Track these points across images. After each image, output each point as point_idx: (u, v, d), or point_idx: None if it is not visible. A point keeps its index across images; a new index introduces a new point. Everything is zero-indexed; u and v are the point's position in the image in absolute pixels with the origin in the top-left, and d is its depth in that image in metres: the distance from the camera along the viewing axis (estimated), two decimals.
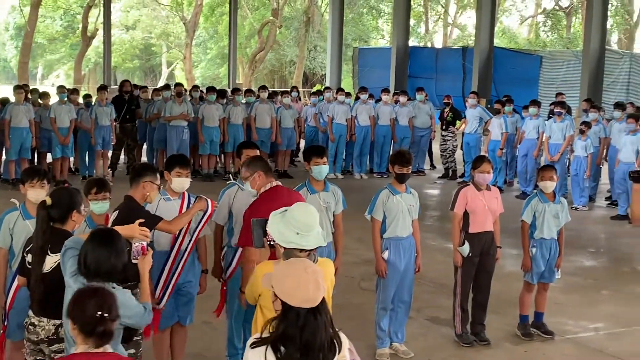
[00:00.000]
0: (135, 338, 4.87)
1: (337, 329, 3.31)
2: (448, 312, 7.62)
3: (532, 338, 7.44)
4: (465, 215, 7.13)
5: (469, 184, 7.35)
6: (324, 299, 3.24)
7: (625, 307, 8.65)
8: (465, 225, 7.13)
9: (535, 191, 7.95)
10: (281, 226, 4.06)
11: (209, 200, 5.73)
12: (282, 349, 3.17)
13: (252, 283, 4.33)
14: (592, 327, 7.97)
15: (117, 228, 4.51)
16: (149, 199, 5.50)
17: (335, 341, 3.25)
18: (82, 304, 3.48)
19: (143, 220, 4.80)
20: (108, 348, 3.52)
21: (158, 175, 5.61)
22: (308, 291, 3.18)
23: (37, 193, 5.49)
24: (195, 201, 5.75)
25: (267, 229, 4.18)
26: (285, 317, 3.20)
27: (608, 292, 9.27)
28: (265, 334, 3.26)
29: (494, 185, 9.51)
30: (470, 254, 7.11)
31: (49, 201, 4.78)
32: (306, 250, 4.01)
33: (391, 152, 17.46)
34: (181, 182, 5.89)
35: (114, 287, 4.14)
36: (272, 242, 4.19)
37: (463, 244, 7.11)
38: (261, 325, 4.18)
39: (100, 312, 3.44)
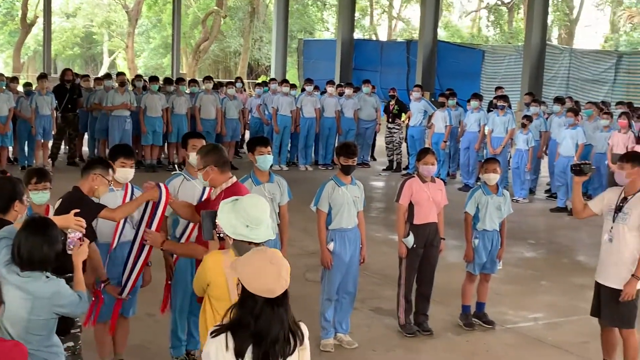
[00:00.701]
0: (72, 330, 4.83)
1: (298, 322, 3.30)
2: (392, 303, 7.68)
3: (474, 328, 7.55)
4: (410, 206, 7.19)
5: (413, 176, 7.41)
6: (286, 292, 3.22)
7: (564, 297, 8.83)
8: (410, 217, 7.19)
9: (478, 183, 8.05)
10: (232, 217, 4.04)
11: (163, 187, 5.57)
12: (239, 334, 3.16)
13: (200, 273, 4.31)
14: (532, 317, 8.12)
15: (52, 218, 4.44)
16: (96, 193, 5.41)
17: (293, 335, 3.23)
18: None
19: (78, 210, 4.72)
20: None
21: (110, 171, 5.52)
22: (267, 282, 3.16)
23: None
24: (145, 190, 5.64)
25: (217, 219, 4.16)
26: (243, 303, 3.19)
27: (547, 283, 9.44)
28: (226, 321, 3.24)
29: (437, 177, 9.59)
30: (414, 245, 7.17)
31: None
32: (255, 243, 4.00)
33: (336, 144, 17.52)
34: (125, 172, 5.80)
35: (48, 277, 4.09)
36: (221, 235, 4.17)
37: (408, 235, 7.17)
38: (209, 315, 4.17)
39: None
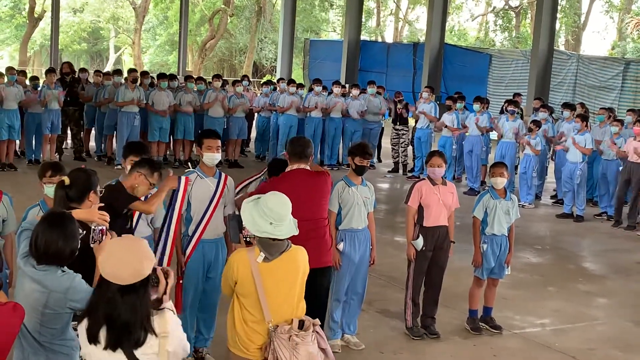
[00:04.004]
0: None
1: (154, 311, 3.36)
2: (398, 305, 7.69)
3: (481, 332, 7.55)
4: (420, 209, 7.19)
5: (423, 179, 7.41)
6: (144, 283, 3.29)
7: (570, 303, 8.83)
8: (420, 219, 7.18)
9: (486, 187, 8.04)
10: (255, 215, 4.07)
11: (183, 178, 5.87)
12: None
13: (227, 272, 4.32)
14: (539, 322, 8.10)
15: (77, 212, 4.45)
16: (136, 191, 5.50)
17: (146, 326, 3.31)
18: None
19: (102, 205, 4.75)
20: None
21: (156, 175, 5.59)
22: (115, 268, 3.26)
23: None
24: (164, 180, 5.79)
25: (241, 218, 4.19)
26: (98, 287, 3.31)
27: (554, 289, 9.43)
28: None
29: None
30: (423, 248, 7.16)
31: (67, 181, 4.72)
32: (279, 240, 4.03)
33: (341, 145, 17.55)
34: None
35: (64, 271, 4.08)
36: (248, 239, 4.21)
37: (417, 237, 7.16)
38: (237, 313, 4.19)
39: None
